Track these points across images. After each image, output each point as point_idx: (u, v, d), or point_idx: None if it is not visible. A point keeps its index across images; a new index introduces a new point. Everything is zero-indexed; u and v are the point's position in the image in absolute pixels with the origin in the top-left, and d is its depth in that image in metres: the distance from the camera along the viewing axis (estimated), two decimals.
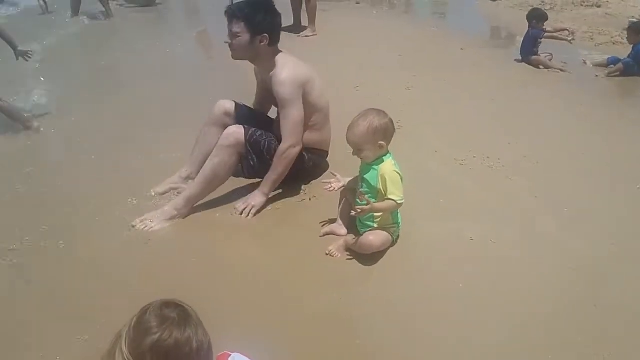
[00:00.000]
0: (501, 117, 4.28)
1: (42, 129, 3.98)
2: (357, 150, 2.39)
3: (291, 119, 2.78)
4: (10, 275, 2.36)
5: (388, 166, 2.37)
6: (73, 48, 7.19)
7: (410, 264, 2.47)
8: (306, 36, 6.97)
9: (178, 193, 2.93)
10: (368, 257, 2.43)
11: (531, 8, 6.85)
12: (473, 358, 1.94)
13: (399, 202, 2.35)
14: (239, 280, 2.34)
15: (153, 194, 2.98)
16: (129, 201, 2.91)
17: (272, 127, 2.95)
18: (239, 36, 2.75)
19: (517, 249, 2.55)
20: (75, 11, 8.84)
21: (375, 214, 2.43)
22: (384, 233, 2.45)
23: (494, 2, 9.66)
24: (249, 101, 3.23)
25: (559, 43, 6.21)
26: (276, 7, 2.86)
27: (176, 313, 1.20)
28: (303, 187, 3.06)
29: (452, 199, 2.97)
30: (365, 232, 2.46)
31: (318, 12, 7.11)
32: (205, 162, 2.85)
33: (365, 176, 2.44)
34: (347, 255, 2.48)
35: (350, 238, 2.50)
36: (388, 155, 2.42)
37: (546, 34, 5.95)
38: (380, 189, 2.38)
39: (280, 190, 2.98)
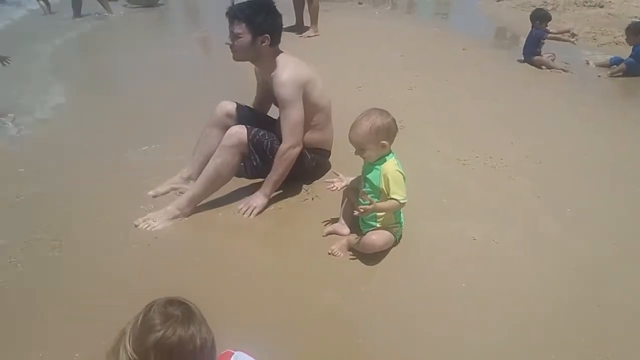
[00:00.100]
0: (503, 117, 4.27)
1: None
2: (360, 150, 2.39)
3: (291, 119, 2.79)
4: (10, 275, 2.35)
5: (391, 166, 2.37)
6: (74, 48, 7.22)
7: (412, 263, 2.47)
8: (308, 36, 6.99)
9: (179, 193, 2.94)
10: (370, 256, 2.43)
11: (534, 8, 6.85)
12: (473, 358, 1.94)
13: (401, 201, 2.35)
14: (241, 280, 2.34)
15: (154, 194, 2.98)
16: (129, 201, 2.91)
17: (274, 128, 2.96)
18: (240, 37, 2.76)
19: (520, 249, 2.55)
20: (77, 12, 8.88)
21: (378, 214, 2.43)
22: (387, 233, 2.45)
23: (498, 2, 9.65)
24: (250, 102, 3.24)
25: (561, 43, 6.21)
26: (278, 7, 2.86)
27: (180, 310, 1.21)
28: (305, 186, 3.06)
29: (455, 198, 2.97)
30: (367, 231, 2.46)
31: (320, 13, 7.13)
32: (206, 163, 2.86)
33: (367, 176, 2.44)
34: (350, 254, 2.48)
35: (353, 238, 2.51)
36: (391, 154, 2.42)
37: (549, 36, 5.95)
38: (382, 189, 2.38)
39: (283, 190, 2.98)
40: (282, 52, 2.90)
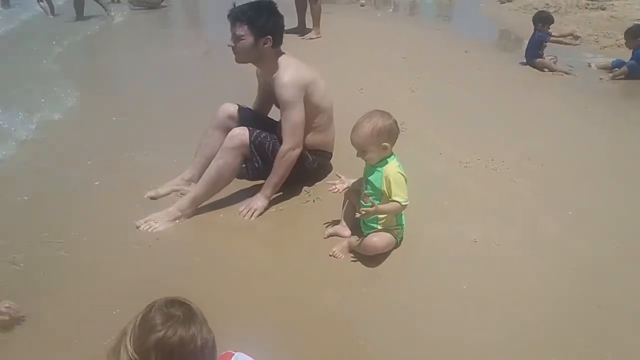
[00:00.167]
0: (505, 120, 4.28)
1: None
2: (361, 152, 2.39)
3: (292, 121, 2.79)
4: (10, 275, 2.35)
5: (392, 168, 2.37)
6: (75, 49, 7.23)
7: (413, 265, 2.47)
8: (310, 38, 7.00)
9: (181, 195, 2.94)
10: (372, 258, 2.43)
11: (536, 11, 6.85)
12: (473, 358, 1.94)
13: (403, 203, 2.35)
14: (241, 280, 2.34)
15: (155, 195, 2.98)
16: (130, 202, 2.91)
17: (276, 130, 2.96)
18: (242, 39, 2.76)
19: (520, 250, 2.55)
20: (79, 14, 8.91)
21: (379, 216, 2.43)
22: (388, 234, 2.45)
23: (501, 4, 9.65)
24: (251, 103, 3.24)
25: (563, 46, 6.23)
26: (280, 9, 2.87)
27: (181, 311, 1.21)
28: (307, 188, 3.06)
29: (456, 200, 2.97)
30: (369, 233, 2.46)
31: (322, 15, 7.14)
32: (208, 165, 2.86)
33: (369, 178, 2.44)
34: (351, 256, 2.48)
35: (354, 239, 2.51)
36: (392, 156, 2.42)
37: (552, 39, 5.95)
38: (384, 191, 2.38)
39: (284, 192, 2.98)
40: (284, 53, 2.90)
